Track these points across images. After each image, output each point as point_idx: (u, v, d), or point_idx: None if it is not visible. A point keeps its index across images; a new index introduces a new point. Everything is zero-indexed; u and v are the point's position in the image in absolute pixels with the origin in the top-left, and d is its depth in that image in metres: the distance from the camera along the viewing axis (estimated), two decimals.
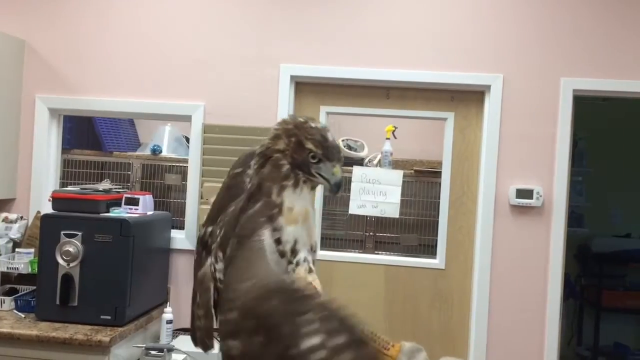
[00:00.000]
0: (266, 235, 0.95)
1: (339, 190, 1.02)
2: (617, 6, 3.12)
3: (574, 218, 4.67)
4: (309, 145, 1.00)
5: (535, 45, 3.15)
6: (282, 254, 0.97)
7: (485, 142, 3.17)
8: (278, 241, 0.97)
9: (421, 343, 0.94)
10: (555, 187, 3.12)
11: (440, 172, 3.29)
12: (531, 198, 3.09)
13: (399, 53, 3.21)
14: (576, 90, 3.12)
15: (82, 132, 4.06)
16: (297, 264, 0.98)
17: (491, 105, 3.15)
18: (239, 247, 0.97)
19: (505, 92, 3.14)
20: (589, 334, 5.15)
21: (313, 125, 1.03)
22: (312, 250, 1.01)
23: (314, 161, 1.01)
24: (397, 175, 3.26)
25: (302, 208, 1.00)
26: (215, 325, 0.97)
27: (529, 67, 3.15)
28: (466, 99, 3.25)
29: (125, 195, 2.97)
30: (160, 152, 3.89)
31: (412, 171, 3.53)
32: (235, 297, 0.88)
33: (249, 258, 0.92)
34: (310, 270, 0.99)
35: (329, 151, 1.01)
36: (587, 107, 3.71)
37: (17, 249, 3.11)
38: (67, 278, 2.64)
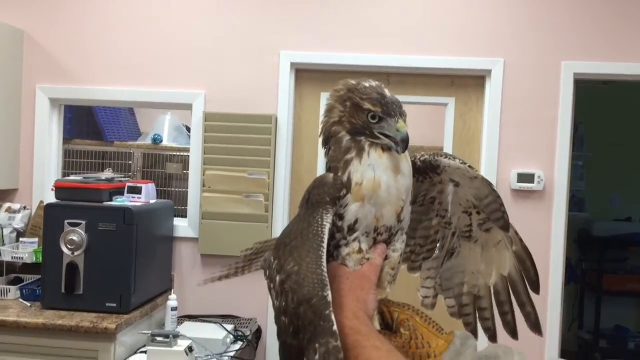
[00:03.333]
0: (325, 219, 0.88)
1: (407, 146, 0.91)
2: None
3: (575, 202, 4.68)
4: (367, 105, 0.91)
5: (536, 29, 3.14)
6: (338, 229, 0.91)
7: (486, 126, 3.18)
8: (340, 216, 0.91)
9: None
10: (556, 171, 3.13)
11: None
12: (532, 182, 3.10)
13: (399, 38, 3.20)
14: (577, 74, 3.12)
15: (82, 122, 4.05)
16: (347, 244, 0.92)
17: (492, 89, 3.15)
18: (301, 217, 0.92)
19: (505, 76, 3.14)
20: (590, 318, 5.19)
21: (367, 84, 0.93)
22: (377, 232, 0.92)
23: (374, 121, 0.91)
24: None
25: (371, 179, 0.89)
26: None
27: (529, 51, 3.14)
28: (466, 84, 3.25)
29: (128, 183, 2.98)
30: (161, 141, 3.89)
31: None
32: (281, 280, 0.86)
33: (303, 237, 0.88)
34: (359, 251, 0.92)
35: (389, 107, 0.91)
36: (587, 91, 3.71)
37: (21, 239, 3.13)
38: (72, 266, 2.66)
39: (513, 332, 1.05)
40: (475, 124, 3.25)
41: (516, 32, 3.15)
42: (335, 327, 0.79)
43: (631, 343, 4.95)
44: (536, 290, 1.03)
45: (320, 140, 0.99)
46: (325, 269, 0.84)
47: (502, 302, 1.06)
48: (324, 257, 0.85)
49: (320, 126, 0.98)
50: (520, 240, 1.04)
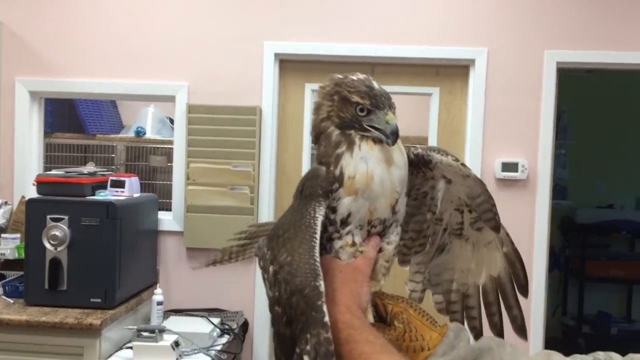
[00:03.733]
0: (317, 212, 0.88)
1: (397, 139, 0.90)
2: None
3: (558, 190, 4.73)
4: (355, 98, 0.90)
5: (519, 19, 3.15)
6: (331, 222, 0.90)
7: (470, 116, 3.19)
8: (333, 209, 0.90)
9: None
10: (539, 160, 3.15)
11: None
12: (516, 171, 3.12)
13: (383, 29, 3.19)
14: (560, 63, 3.14)
15: (63, 115, 3.99)
16: (340, 237, 0.91)
17: (476, 79, 3.16)
18: (294, 208, 0.92)
19: (489, 65, 3.15)
20: (573, 304, 5.27)
21: (354, 77, 0.92)
22: (371, 225, 0.92)
23: (363, 114, 0.90)
24: None
25: (364, 173, 0.88)
26: None
27: (512, 41, 3.15)
28: (451, 73, 3.25)
29: (111, 178, 2.95)
30: (144, 134, 3.85)
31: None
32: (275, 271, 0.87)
33: (296, 229, 0.88)
34: (353, 244, 0.91)
35: (377, 99, 0.90)
36: (570, 79, 3.73)
37: (2, 235, 3.09)
38: (55, 262, 2.63)
39: (499, 333, 1.04)
40: (460, 113, 3.26)
41: (500, 21, 3.16)
42: (327, 319, 0.79)
43: (614, 328, 5.03)
44: (524, 294, 1.03)
45: (310, 136, 0.98)
46: (318, 260, 0.84)
47: (490, 303, 1.06)
48: (317, 248, 0.85)
49: (311, 125, 0.97)
50: (511, 242, 1.04)
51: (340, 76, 0.94)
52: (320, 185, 0.90)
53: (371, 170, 0.89)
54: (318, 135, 0.94)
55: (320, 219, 0.87)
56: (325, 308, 0.80)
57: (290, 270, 0.83)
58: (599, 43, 3.12)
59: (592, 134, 5.08)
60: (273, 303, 0.86)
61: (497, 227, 1.02)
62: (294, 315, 0.81)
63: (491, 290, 1.06)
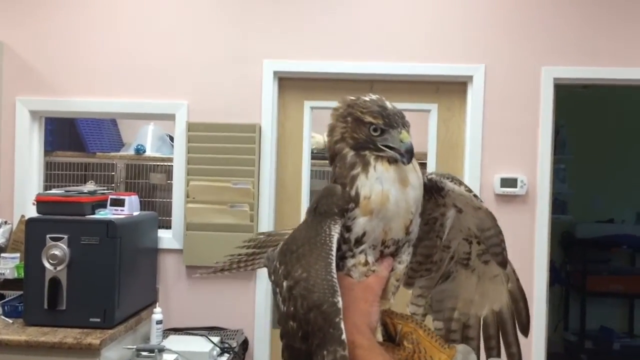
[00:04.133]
0: (333, 229, 0.88)
1: (412, 157, 0.90)
2: None
3: (558, 205, 4.73)
4: (368, 119, 0.90)
5: (516, 35, 3.18)
6: (345, 241, 0.91)
7: (469, 132, 3.20)
8: (348, 228, 0.90)
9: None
10: (538, 175, 3.16)
11: (426, 163, 3.31)
12: (515, 187, 3.13)
13: (382, 46, 3.22)
14: (557, 79, 3.16)
15: (64, 133, 4.01)
16: (354, 255, 0.91)
17: (474, 95, 3.18)
18: (308, 224, 0.92)
19: (487, 82, 3.17)
20: (575, 319, 5.23)
21: (367, 98, 0.93)
22: (385, 245, 0.92)
23: (377, 134, 0.90)
24: None
25: (379, 193, 0.88)
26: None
27: (509, 57, 3.17)
28: (449, 90, 3.27)
29: (111, 196, 2.95)
30: (144, 151, 3.86)
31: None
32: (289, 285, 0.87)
33: (311, 245, 0.88)
34: (366, 263, 0.91)
35: (390, 119, 0.90)
36: (567, 95, 3.76)
37: (2, 254, 3.08)
38: (55, 282, 2.62)
39: None
40: (459, 129, 3.27)
41: (496, 38, 3.18)
42: (344, 337, 0.79)
43: (617, 344, 5.00)
44: (525, 333, 1.02)
45: (326, 157, 1.00)
46: (335, 276, 0.84)
47: (490, 337, 1.05)
48: (334, 264, 0.85)
49: (326, 147, 0.98)
50: (517, 279, 1.04)
51: (352, 97, 0.94)
52: (336, 203, 0.90)
53: (386, 190, 0.89)
54: (333, 157, 0.95)
55: (335, 237, 0.88)
56: (342, 325, 0.80)
57: (307, 286, 0.83)
58: (594, 59, 3.15)
59: (591, 148, 5.09)
60: (287, 318, 0.85)
61: (504, 262, 1.02)
62: (310, 331, 0.81)
63: (492, 324, 1.05)
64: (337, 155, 0.93)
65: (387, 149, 0.90)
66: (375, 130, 0.90)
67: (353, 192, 0.89)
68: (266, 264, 1.08)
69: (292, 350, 0.85)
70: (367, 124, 0.91)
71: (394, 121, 0.91)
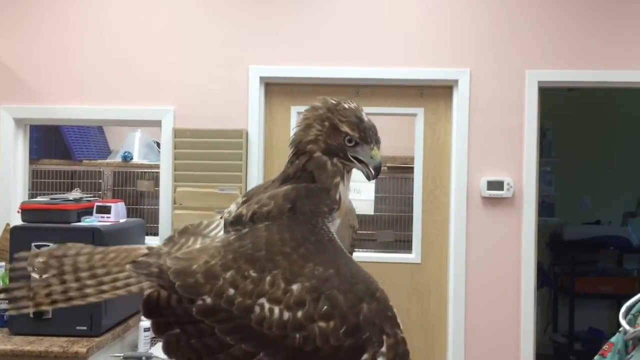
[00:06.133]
0: (330, 227, 0.92)
1: (378, 174, 0.96)
2: None
3: (545, 207, 4.77)
4: (345, 129, 0.93)
5: (500, 39, 3.20)
6: None
7: (455, 136, 3.22)
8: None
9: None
10: (524, 178, 3.18)
11: (413, 167, 3.32)
12: (502, 189, 3.15)
13: (367, 51, 3.23)
14: (541, 82, 3.19)
15: (49, 141, 3.99)
16: None
17: (459, 99, 3.20)
18: (287, 226, 0.90)
19: (472, 86, 3.19)
20: (564, 321, 5.26)
21: (347, 106, 0.95)
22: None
23: (350, 144, 0.94)
24: None
25: (346, 201, 0.98)
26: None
27: (494, 61, 3.20)
28: (435, 94, 3.29)
29: (97, 203, 2.93)
30: (131, 158, 3.85)
31: (385, 167, 3.55)
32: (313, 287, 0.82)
33: (316, 244, 0.88)
34: None
35: (366, 133, 0.94)
36: (552, 98, 3.79)
37: None
38: None
39: None
40: (445, 133, 3.29)
41: (481, 43, 3.21)
42: (399, 319, 0.82)
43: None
44: None
45: (289, 148, 1.01)
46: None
47: None
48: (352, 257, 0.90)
49: (292, 138, 0.99)
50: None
51: (333, 101, 0.97)
52: (325, 203, 0.93)
53: (349, 199, 0.99)
54: (299, 153, 0.97)
55: (334, 232, 0.91)
56: (395, 309, 0.82)
57: (345, 280, 0.82)
58: (579, 62, 3.18)
59: (577, 150, 5.13)
60: (311, 320, 0.80)
61: None
62: (361, 322, 0.80)
63: None
64: (306, 156, 0.96)
65: (355, 161, 0.95)
66: (349, 141, 0.94)
67: (337, 197, 0.95)
68: (188, 283, 0.87)
69: (315, 354, 0.80)
70: (342, 133, 0.94)
71: (369, 136, 0.95)
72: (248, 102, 3.24)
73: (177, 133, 3.21)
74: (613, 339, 1.05)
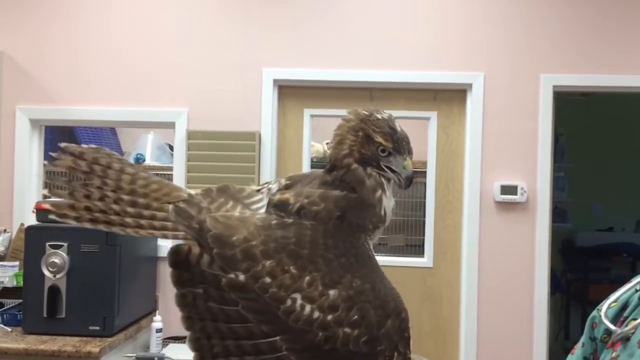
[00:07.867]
0: (370, 245, 0.96)
1: (410, 185, 0.98)
2: (595, 1, 3.18)
3: (557, 213, 4.73)
4: (379, 139, 0.95)
5: (515, 43, 3.19)
6: None
7: (468, 140, 3.20)
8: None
9: (413, 341, 0.96)
10: (538, 183, 3.16)
11: (426, 171, 3.31)
12: (515, 194, 3.13)
13: (381, 54, 3.23)
14: (556, 86, 3.17)
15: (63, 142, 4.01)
16: None
17: (473, 103, 3.19)
18: (331, 234, 0.92)
19: (486, 90, 3.18)
20: (576, 328, 5.20)
21: (379, 116, 0.97)
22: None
23: (383, 154, 0.96)
24: None
25: (390, 210, 0.99)
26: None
27: (508, 65, 3.19)
28: (448, 98, 3.28)
29: None
30: (144, 160, 3.87)
31: None
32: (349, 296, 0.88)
33: (357, 257, 0.92)
34: None
35: (399, 144, 0.96)
36: (567, 103, 3.77)
37: (1, 262, 3.07)
38: (54, 290, 2.61)
39: None
40: (458, 137, 3.28)
41: (495, 46, 3.20)
42: (411, 341, 0.89)
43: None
44: None
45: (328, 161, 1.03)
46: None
47: None
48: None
49: (329, 155, 1.01)
50: None
51: (365, 112, 0.98)
52: (371, 220, 0.96)
53: (391, 207, 1.00)
54: (335, 168, 0.98)
55: (372, 252, 0.96)
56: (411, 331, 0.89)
57: (378, 296, 0.88)
58: (594, 67, 3.16)
59: (590, 156, 5.10)
60: (337, 325, 0.85)
61: None
62: (383, 335, 0.86)
63: None
64: (344, 169, 0.97)
65: (388, 171, 0.97)
66: (383, 151, 0.96)
67: (382, 212, 0.97)
68: (222, 254, 0.89)
69: (331, 353, 0.86)
70: (376, 143, 0.96)
71: (401, 146, 0.96)
72: (261, 105, 3.24)
73: (190, 135, 3.22)
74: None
